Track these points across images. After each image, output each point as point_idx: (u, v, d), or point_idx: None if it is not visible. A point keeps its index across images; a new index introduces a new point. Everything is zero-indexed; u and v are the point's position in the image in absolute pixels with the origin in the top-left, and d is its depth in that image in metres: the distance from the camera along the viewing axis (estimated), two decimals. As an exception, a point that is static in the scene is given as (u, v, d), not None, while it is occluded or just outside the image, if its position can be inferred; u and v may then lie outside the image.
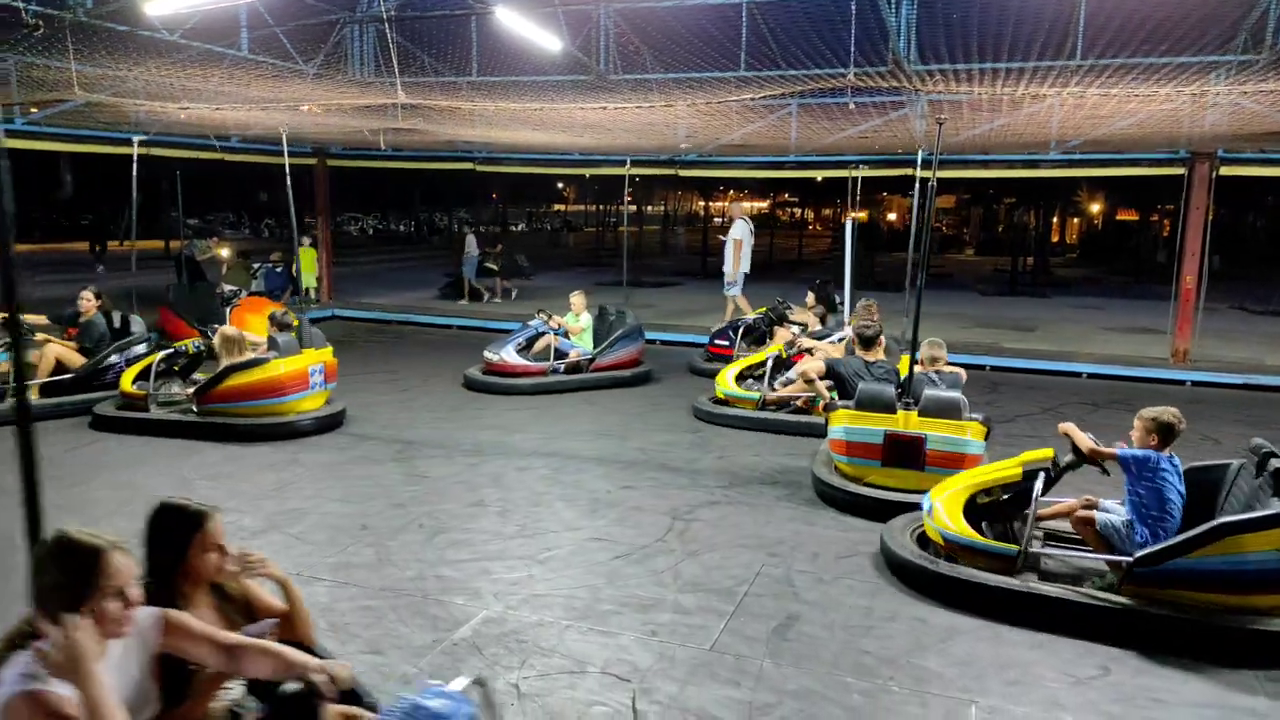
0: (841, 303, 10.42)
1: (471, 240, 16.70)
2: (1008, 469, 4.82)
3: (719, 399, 8.42)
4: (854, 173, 10.97)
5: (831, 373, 6.76)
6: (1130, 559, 4.14)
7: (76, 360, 8.28)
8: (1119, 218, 40.20)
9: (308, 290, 15.63)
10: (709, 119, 8.97)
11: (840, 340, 8.69)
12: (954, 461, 5.59)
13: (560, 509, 5.86)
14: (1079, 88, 6.97)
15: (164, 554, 2.60)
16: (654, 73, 8.45)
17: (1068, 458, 4.61)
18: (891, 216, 50.06)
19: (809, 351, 8.53)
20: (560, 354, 9.64)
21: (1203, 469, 4.61)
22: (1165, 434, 4.40)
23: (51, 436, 7.04)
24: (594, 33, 8.54)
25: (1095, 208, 41.22)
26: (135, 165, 10.68)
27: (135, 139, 10.79)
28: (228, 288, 12.37)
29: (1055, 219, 35.86)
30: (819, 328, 9.83)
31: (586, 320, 10.10)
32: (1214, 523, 3.99)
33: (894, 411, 5.85)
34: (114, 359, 8.35)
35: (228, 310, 11.26)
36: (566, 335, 9.88)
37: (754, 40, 7.81)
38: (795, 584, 4.73)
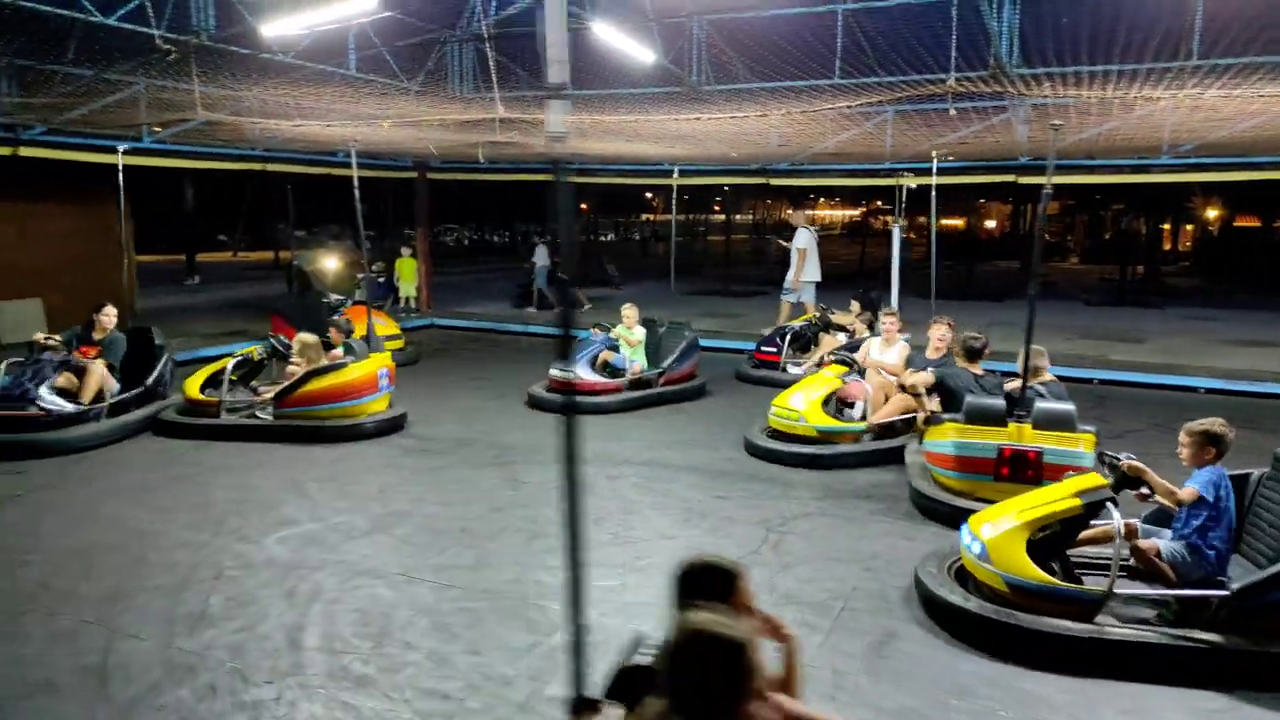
0: (880, 307, 10.17)
1: (542, 250, 16.96)
2: (1064, 500, 4.28)
3: (790, 433, 7.26)
4: (900, 180, 10.59)
5: (940, 385, 6.50)
6: (1227, 592, 3.84)
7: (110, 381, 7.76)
8: (1237, 224, 37.95)
9: (407, 299, 16.17)
10: (803, 127, 8.90)
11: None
12: (1058, 474, 5.37)
13: (652, 517, 5.90)
14: (1196, 90, 6.64)
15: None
16: (747, 82, 8.44)
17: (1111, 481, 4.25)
18: (989, 224, 48.58)
19: (846, 369, 7.99)
20: (615, 369, 9.29)
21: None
22: (1220, 445, 4.16)
23: (129, 450, 7.27)
24: (687, 45, 8.59)
25: (1211, 214, 39.04)
26: (248, 181, 11.23)
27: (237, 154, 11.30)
28: (334, 296, 12.89)
29: (1166, 226, 34.13)
30: (865, 335, 9.51)
31: (640, 333, 9.64)
32: None
33: (1005, 425, 5.66)
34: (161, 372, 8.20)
35: (349, 319, 11.75)
36: (616, 349, 9.45)
37: (850, 47, 7.72)
38: (892, 600, 4.65)
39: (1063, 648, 3.89)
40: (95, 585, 4.67)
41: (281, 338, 8.50)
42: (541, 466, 7.01)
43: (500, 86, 8.23)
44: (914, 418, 7.18)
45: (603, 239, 47.75)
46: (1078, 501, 4.22)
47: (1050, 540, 4.28)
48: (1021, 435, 5.60)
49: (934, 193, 9.47)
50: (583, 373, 9.07)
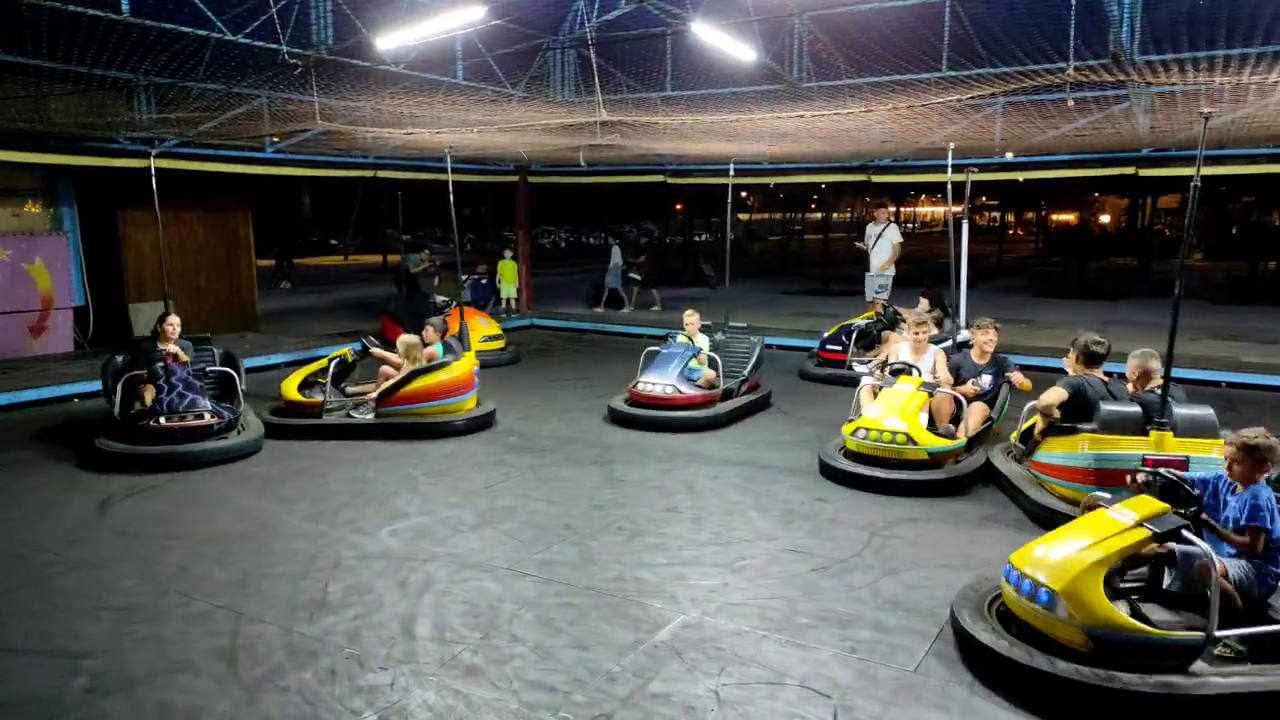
0: (953, 306, 9.76)
1: (616, 251, 17.20)
2: (1130, 533, 3.73)
3: (886, 457, 6.50)
4: (971, 176, 10.01)
5: (1077, 397, 5.86)
6: None
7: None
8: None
9: (508, 300, 16.55)
10: (908, 122, 8.69)
11: (956, 344, 7.99)
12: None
13: (754, 518, 5.87)
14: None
15: None
16: (848, 78, 8.30)
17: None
18: (1104, 218, 46.29)
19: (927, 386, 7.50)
20: (689, 380, 8.50)
21: None
22: (1275, 458, 3.83)
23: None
24: (787, 41, 8.51)
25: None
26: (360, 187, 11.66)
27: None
28: (439, 298, 13.30)
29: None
30: (934, 332, 9.05)
31: (705, 340, 8.98)
32: None
33: (1144, 433, 5.29)
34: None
35: (444, 318, 12.13)
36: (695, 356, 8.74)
37: (958, 38, 7.49)
38: (1005, 609, 4.48)
39: (1180, 708, 3.37)
40: (225, 571, 4.96)
41: (371, 338, 8.70)
42: (641, 466, 7.06)
43: (601, 90, 8.34)
44: (990, 425, 6.96)
45: (698, 239, 47.74)
46: (1145, 533, 3.71)
47: (1108, 579, 3.74)
48: (1164, 443, 5.23)
49: (966, 187, 8.93)
50: (683, 386, 8.28)
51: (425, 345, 8.40)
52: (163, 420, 6.99)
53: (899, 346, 7.78)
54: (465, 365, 8.29)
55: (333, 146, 12.03)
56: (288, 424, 7.90)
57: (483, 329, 12.12)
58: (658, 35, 8.74)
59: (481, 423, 8.23)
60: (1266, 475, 3.86)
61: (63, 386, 9.55)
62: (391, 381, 8.07)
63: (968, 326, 8.63)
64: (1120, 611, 3.58)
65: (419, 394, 8.01)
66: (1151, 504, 3.86)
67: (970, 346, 7.56)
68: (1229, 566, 3.80)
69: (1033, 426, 6.30)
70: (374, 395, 8.09)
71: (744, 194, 53.40)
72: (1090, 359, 6.06)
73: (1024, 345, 12.09)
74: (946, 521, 5.79)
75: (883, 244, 12.72)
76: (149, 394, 7.19)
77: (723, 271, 11.87)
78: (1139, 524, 3.74)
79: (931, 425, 6.73)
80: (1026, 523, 5.71)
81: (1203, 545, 3.63)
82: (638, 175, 15.98)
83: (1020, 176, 14.12)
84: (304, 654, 4.01)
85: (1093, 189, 37.31)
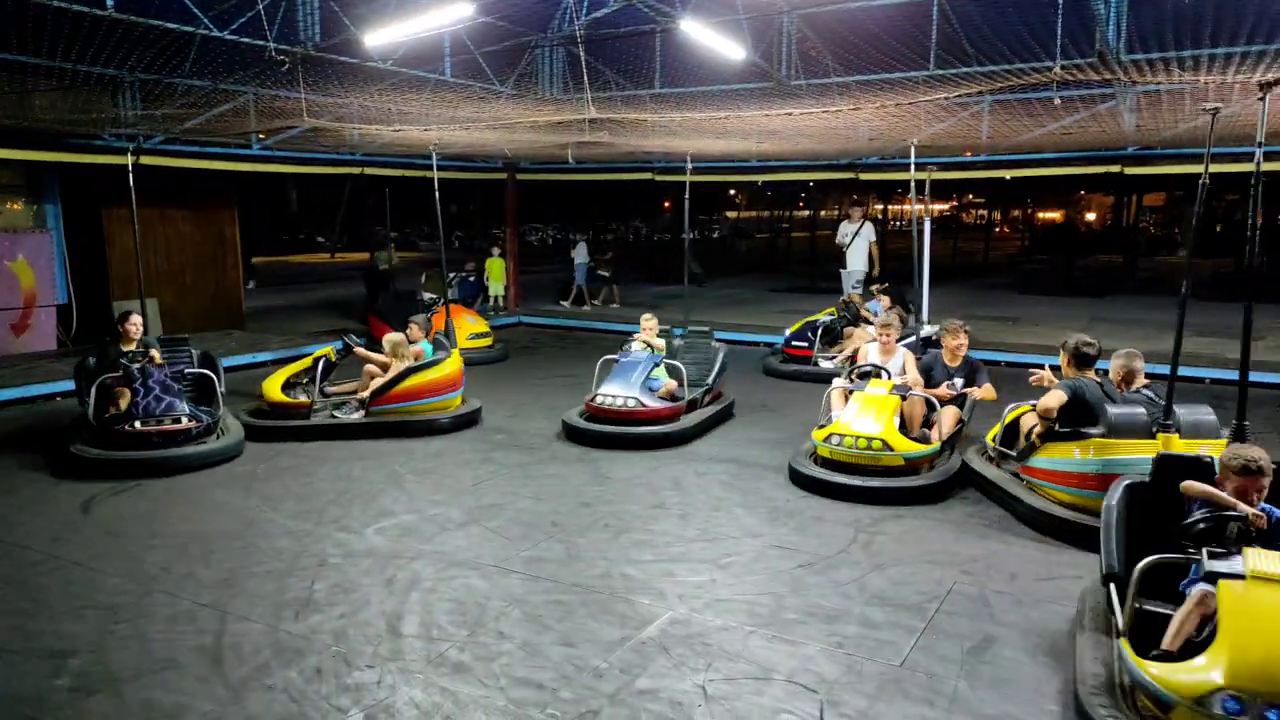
0: (913, 302, 9.83)
1: (582, 248, 17.23)
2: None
3: (861, 463, 6.22)
4: (931, 175, 10.03)
5: (1077, 401, 5.60)
6: None
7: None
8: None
9: (496, 298, 16.52)
10: (896, 120, 8.71)
11: (919, 341, 7.93)
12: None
13: (740, 515, 5.88)
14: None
15: None
16: (837, 76, 8.32)
17: (1233, 525, 3.50)
18: (1089, 216, 46.57)
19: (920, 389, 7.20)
20: (650, 390, 7.83)
21: None
22: None
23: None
24: (776, 39, 8.52)
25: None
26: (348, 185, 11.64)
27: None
28: (427, 296, 13.27)
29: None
30: (900, 330, 9.00)
31: (663, 346, 8.44)
32: None
33: (1152, 437, 5.19)
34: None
35: (428, 317, 12.11)
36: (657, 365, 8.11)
37: (946, 35, 7.52)
38: (992, 604, 4.51)
39: None
40: (211, 570, 4.94)
41: (353, 336, 8.61)
42: (627, 463, 7.06)
43: (590, 87, 8.33)
44: (962, 427, 6.88)
45: (684, 237, 47.71)
46: None
47: None
48: (1170, 446, 5.11)
49: (926, 186, 8.89)
50: (645, 397, 7.60)
51: (411, 343, 8.37)
52: (138, 424, 6.74)
53: (867, 348, 7.58)
54: (456, 362, 8.33)
55: (320, 143, 11.97)
56: (273, 426, 7.72)
57: (470, 326, 12.11)
58: (647, 33, 8.74)
59: (468, 420, 8.22)
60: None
61: (45, 385, 9.48)
62: (384, 379, 8.03)
63: (929, 322, 8.66)
64: None
65: (412, 392, 7.99)
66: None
67: (937, 345, 7.51)
68: None
69: (1010, 426, 6.29)
70: (365, 394, 8.02)
71: (731, 191, 53.47)
72: (1081, 360, 5.88)
73: (1010, 343, 12.17)
74: (932, 518, 5.81)
75: (859, 243, 12.92)
76: (124, 398, 6.95)
77: (683, 269, 11.85)
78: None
79: (904, 429, 6.55)
80: (1009, 520, 5.74)
81: None
82: (626, 173, 15.98)
83: (982, 175, 14.29)
84: (290, 652, 3.99)
85: (1079, 187, 37.49)
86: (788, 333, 11.21)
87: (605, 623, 4.31)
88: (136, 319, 7.55)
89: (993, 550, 5.26)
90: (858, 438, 6.24)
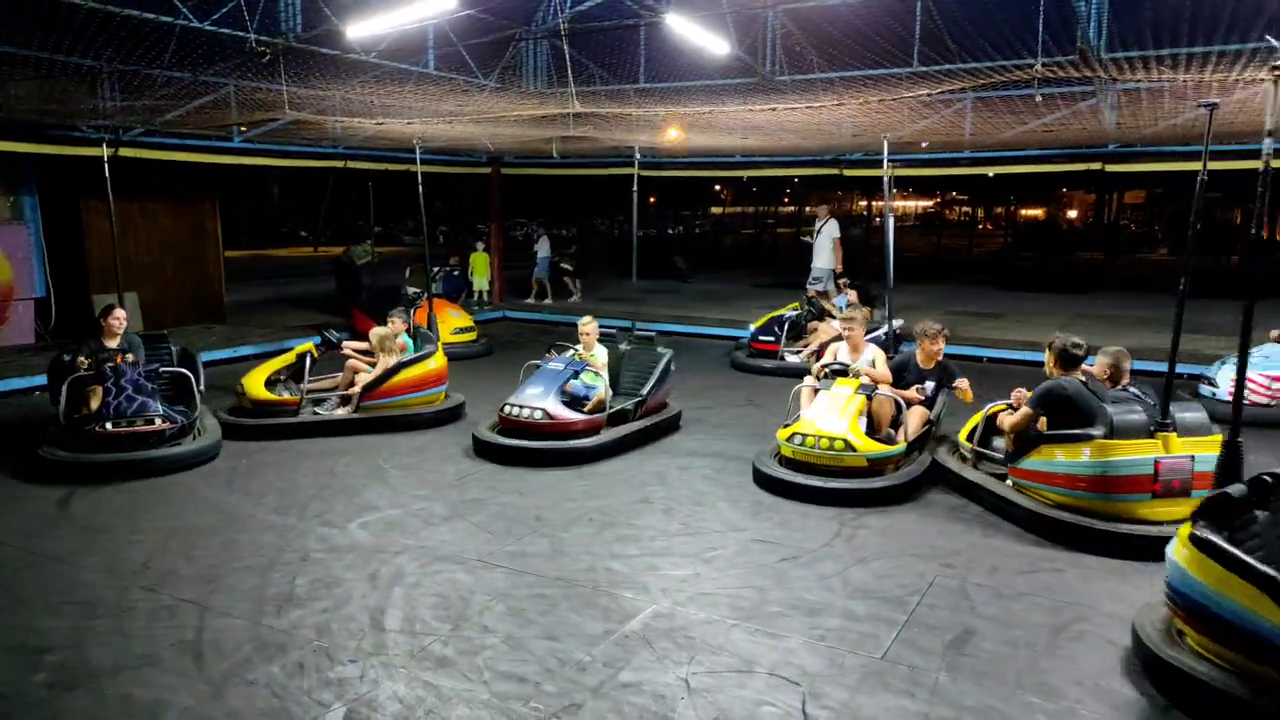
0: (877, 296, 9.88)
1: (545, 242, 17.18)
2: None
3: (823, 464, 6.09)
4: (895, 171, 10.08)
5: (1060, 400, 5.52)
6: None
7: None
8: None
9: (480, 293, 16.46)
10: (880, 116, 8.74)
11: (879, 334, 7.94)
12: (1206, 483, 4.99)
13: (723, 509, 5.90)
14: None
15: None
16: (820, 72, 8.34)
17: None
18: (1071, 214, 46.92)
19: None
20: (577, 400, 7.28)
21: None
22: None
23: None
24: (760, 34, 8.53)
25: (1315, 201, 36.94)
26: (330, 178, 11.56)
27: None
28: (411, 290, 13.19)
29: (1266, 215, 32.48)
30: (864, 324, 8.96)
31: (603, 354, 7.83)
32: None
33: (1151, 436, 5.21)
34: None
35: (412, 311, 12.04)
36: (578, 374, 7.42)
37: (929, 31, 7.55)
38: (972, 597, 4.55)
39: None
40: (191, 565, 4.90)
41: (332, 331, 8.47)
42: (609, 459, 7.06)
43: (574, 81, 8.31)
44: (930, 428, 6.79)
45: (670, 232, 47.71)
46: None
47: None
48: (1170, 445, 5.17)
49: (890, 183, 8.91)
50: (555, 409, 6.93)
51: (395, 336, 8.32)
52: (109, 425, 6.43)
53: (837, 346, 7.34)
54: (441, 357, 8.35)
55: (302, 136, 11.88)
56: (257, 424, 7.51)
57: (454, 321, 12.05)
58: (631, 27, 8.72)
59: (452, 415, 8.20)
60: None
61: (23, 379, 9.37)
62: (376, 374, 7.96)
63: (891, 320, 8.71)
64: None
65: (403, 386, 7.97)
66: None
67: (910, 341, 7.52)
68: None
69: (987, 423, 6.30)
70: (346, 390, 7.97)
71: (716, 187, 53.48)
72: (1068, 361, 5.79)
73: (993, 339, 12.26)
74: (915, 513, 5.85)
75: (823, 239, 13.04)
76: (96, 397, 6.63)
77: (629, 264, 11.81)
78: None
79: (871, 430, 6.46)
80: (990, 516, 5.78)
81: None
82: (610, 168, 15.97)
83: (965, 172, 14.39)
84: (272, 647, 3.97)
85: (1061, 184, 37.78)
86: (753, 327, 11.25)
87: (589, 616, 4.31)
88: (120, 313, 7.28)
89: (974, 544, 5.30)
90: (820, 437, 6.12)
